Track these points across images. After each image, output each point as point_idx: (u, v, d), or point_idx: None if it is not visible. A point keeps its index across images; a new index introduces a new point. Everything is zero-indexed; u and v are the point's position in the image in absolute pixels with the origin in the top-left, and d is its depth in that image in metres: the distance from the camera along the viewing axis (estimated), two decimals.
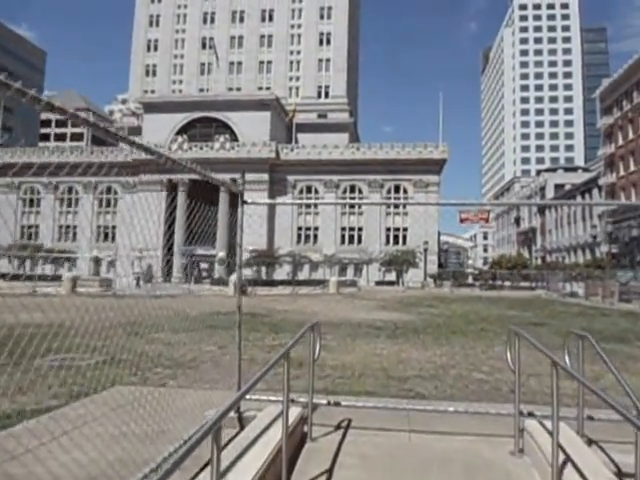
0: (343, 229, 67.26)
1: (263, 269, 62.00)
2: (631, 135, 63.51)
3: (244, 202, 5.56)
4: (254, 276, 58.39)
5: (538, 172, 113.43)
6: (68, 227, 73.72)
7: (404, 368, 9.16)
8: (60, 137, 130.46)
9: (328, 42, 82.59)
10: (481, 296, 39.09)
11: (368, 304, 27.20)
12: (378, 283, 60.06)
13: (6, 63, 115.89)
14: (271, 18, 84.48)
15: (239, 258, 5.45)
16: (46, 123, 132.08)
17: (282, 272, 62.15)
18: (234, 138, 68.33)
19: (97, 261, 67.49)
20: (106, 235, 71.93)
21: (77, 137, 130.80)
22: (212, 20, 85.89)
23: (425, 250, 60.20)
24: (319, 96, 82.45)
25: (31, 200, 74.99)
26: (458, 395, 7.16)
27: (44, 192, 74.02)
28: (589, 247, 72.87)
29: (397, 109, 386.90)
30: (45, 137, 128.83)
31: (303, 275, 63.21)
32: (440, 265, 70.70)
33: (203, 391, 6.88)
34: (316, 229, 67.58)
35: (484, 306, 26.59)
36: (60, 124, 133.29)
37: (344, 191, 67.16)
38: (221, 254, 61.01)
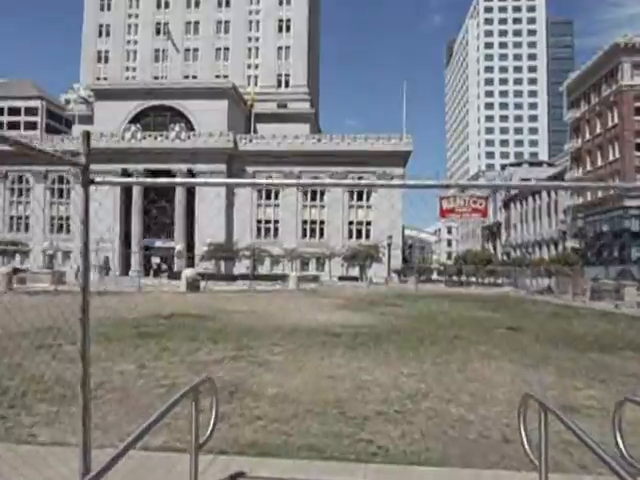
0: (305, 222, 65.32)
1: (222, 263, 59.71)
2: (599, 129, 62.36)
3: (90, 182, 3.42)
4: (213, 270, 56.07)
5: (503, 166, 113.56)
6: (20, 218, 70.72)
7: (363, 399, 7.19)
8: (13, 125, 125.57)
9: (288, 29, 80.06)
10: (447, 293, 37.57)
11: (328, 302, 25.25)
12: (341, 278, 58.29)
13: None
14: (228, 3, 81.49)
15: (83, 256, 3.30)
16: None
17: (242, 266, 60.01)
18: (190, 127, 65.72)
19: (49, 253, 64.42)
20: (60, 226, 69.39)
21: (31, 126, 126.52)
22: (166, 4, 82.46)
23: (389, 245, 58.64)
24: (279, 85, 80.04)
25: None
26: (435, 449, 5.21)
27: None
28: (554, 243, 72.44)
29: (361, 102, 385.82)
30: None
31: (264, 269, 61.21)
32: (404, 260, 69.46)
33: (73, 450, 4.77)
34: (277, 222, 65.51)
35: (451, 305, 24.94)
36: (13, 112, 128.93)
37: None
38: (178, 247, 58.54)
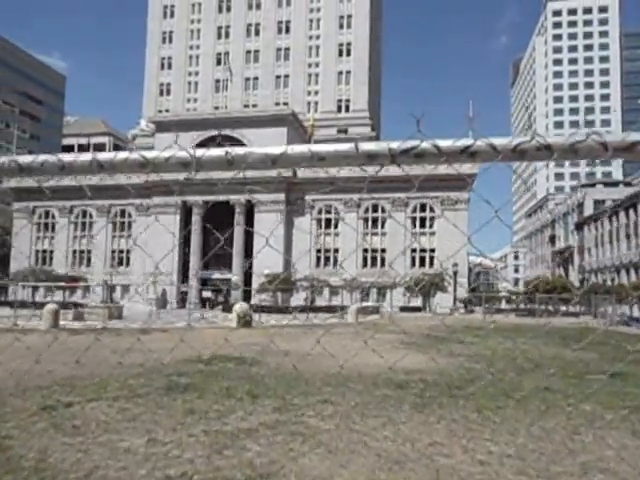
0: (365, 251, 63.11)
1: (279, 294, 58.08)
2: None
3: None
4: (270, 302, 54.58)
5: (573, 188, 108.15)
6: (82, 252, 71.86)
7: None
8: None
9: (348, 53, 79.37)
10: (519, 325, 34.46)
11: (390, 339, 22.85)
12: (403, 309, 55.58)
13: (28, 89, 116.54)
14: (288, 30, 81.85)
15: None
16: (68, 148, 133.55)
17: (300, 297, 58.29)
18: None
19: (109, 286, 64.76)
20: (120, 260, 70.16)
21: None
22: (227, 35, 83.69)
23: (455, 273, 55.51)
24: (339, 110, 79.09)
25: (45, 224, 73.22)
26: None
27: (59, 216, 72.20)
28: (635, 267, 67.33)
29: (424, 125, 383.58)
30: None
31: (323, 300, 59.25)
32: (471, 289, 65.98)
33: None
34: (336, 251, 63.57)
35: (529, 341, 22.09)
36: (82, 149, 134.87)
37: (366, 210, 63.23)
38: (234, 278, 57.33)
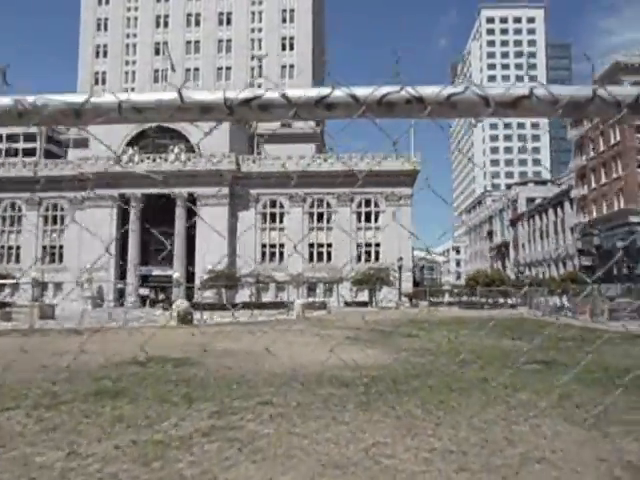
0: (311, 246, 62.71)
1: (224, 291, 57.00)
2: (602, 147, 62.02)
3: None
4: (214, 299, 53.52)
5: (508, 186, 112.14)
6: (11, 248, 67.63)
7: None
8: (11, 153, 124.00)
9: (291, 47, 78.98)
10: (462, 317, 34.97)
11: (336, 334, 22.58)
12: (349, 304, 55.64)
13: None
14: (229, 22, 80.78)
15: None
16: None
17: (245, 294, 57.44)
18: (191, 149, 63.47)
19: (39, 284, 61.50)
20: (52, 256, 66.40)
21: (30, 152, 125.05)
22: (165, 24, 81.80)
23: (399, 267, 55.99)
24: None
25: None
26: None
27: None
28: (562, 261, 70.91)
29: (368, 124, 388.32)
30: None
31: (269, 296, 58.63)
32: (415, 283, 66.80)
33: None
34: (282, 246, 62.89)
35: (470, 333, 22.39)
36: (10, 139, 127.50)
37: (311, 205, 62.89)
38: (176, 275, 55.86)
